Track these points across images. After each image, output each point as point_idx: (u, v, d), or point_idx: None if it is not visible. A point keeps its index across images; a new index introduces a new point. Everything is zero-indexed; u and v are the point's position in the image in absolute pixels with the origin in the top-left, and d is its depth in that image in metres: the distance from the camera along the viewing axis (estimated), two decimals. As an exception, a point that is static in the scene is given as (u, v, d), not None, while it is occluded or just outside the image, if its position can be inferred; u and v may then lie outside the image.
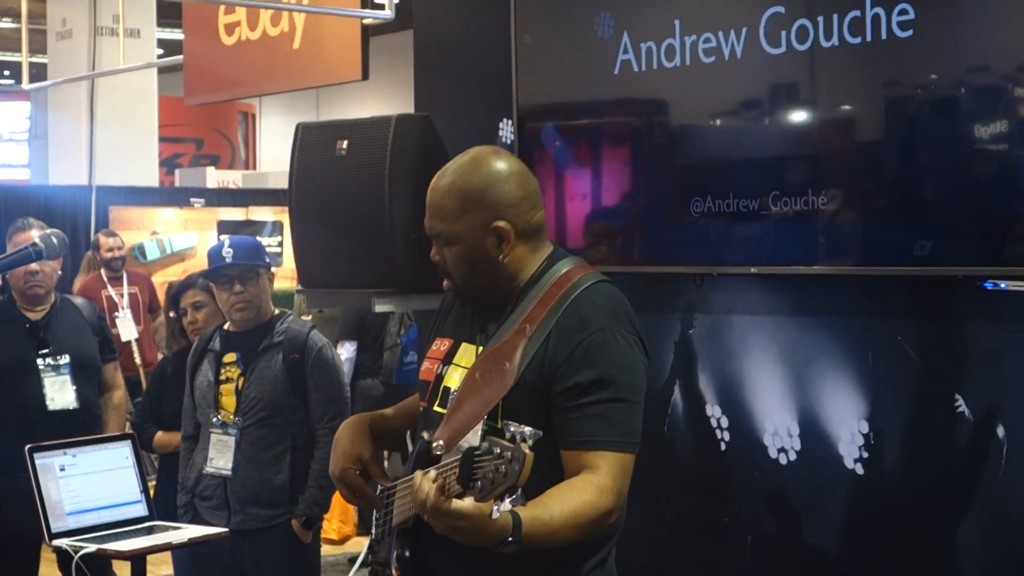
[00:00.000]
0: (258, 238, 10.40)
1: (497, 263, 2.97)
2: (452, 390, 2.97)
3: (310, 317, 8.98)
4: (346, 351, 8.65)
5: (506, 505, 2.47)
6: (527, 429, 2.45)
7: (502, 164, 2.99)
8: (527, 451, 2.42)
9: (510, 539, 2.57)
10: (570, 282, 2.95)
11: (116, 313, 10.42)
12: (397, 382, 8.60)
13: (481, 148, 3.06)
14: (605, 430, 2.81)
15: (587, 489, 2.73)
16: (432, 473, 2.57)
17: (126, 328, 10.47)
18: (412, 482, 2.87)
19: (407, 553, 2.97)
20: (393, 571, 2.98)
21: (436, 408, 3.01)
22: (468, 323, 3.08)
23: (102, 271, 10.81)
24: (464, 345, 3.04)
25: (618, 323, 2.90)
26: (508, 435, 2.44)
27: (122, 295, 10.68)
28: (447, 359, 3.05)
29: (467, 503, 2.50)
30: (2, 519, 5.49)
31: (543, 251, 3.04)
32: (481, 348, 2.98)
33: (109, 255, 10.75)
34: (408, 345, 8.62)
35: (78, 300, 6.15)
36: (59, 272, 5.94)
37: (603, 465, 2.78)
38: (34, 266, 5.56)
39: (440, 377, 3.04)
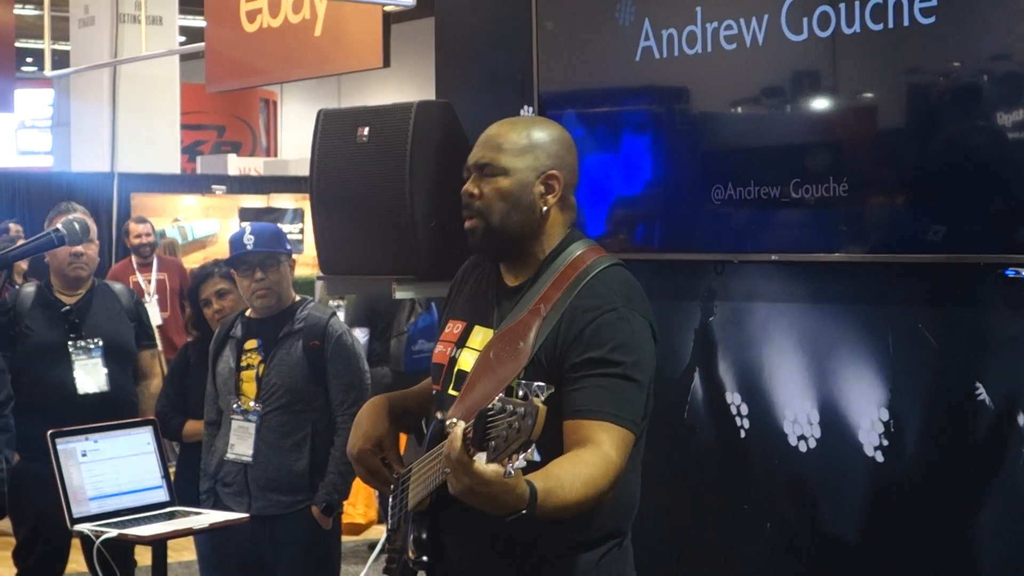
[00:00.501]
0: (279, 225, 10.45)
1: (535, 212, 3.00)
2: (466, 373, 2.98)
3: (344, 303, 9.03)
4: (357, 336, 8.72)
5: (520, 462, 2.46)
6: (538, 384, 2.45)
7: (565, 132, 3.12)
8: (539, 405, 2.41)
9: (523, 512, 2.56)
10: (585, 264, 2.98)
11: (143, 299, 10.59)
12: (406, 370, 8.62)
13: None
14: (610, 403, 2.81)
15: (595, 461, 2.73)
16: (462, 424, 2.54)
17: (152, 314, 10.62)
18: (426, 461, 2.89)
19: (424, 535, 2.98)
20: (410, 554, 2.99)
21: (451, 391, 3.01)
22: (482, 303, 3.09)
23: (132, 258, 10.97)
24: (478, 327, 3.05)
25: (631, 305, 2.92)
26: (520, 393, 2.44)
27: (149, 281, 10.85)
28: (460, 342, 3.06)
29: (491, 468, 2.47)
30: (34, 503, 5.52)
31: (566, 229, 3.07)
32: (494, 330, 2.99)
33: (137, 241, 10.95)
34: (416, 333, 8.62)
35: (117, 286, 6.18)
36: (97, 257, 5.98)
37: (606, 438, 2.77)
38: (79, 248, 5.61)
39: (454, 360, 3.05)
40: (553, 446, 2.77)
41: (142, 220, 11.38)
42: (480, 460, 2.48)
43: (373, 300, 8.60)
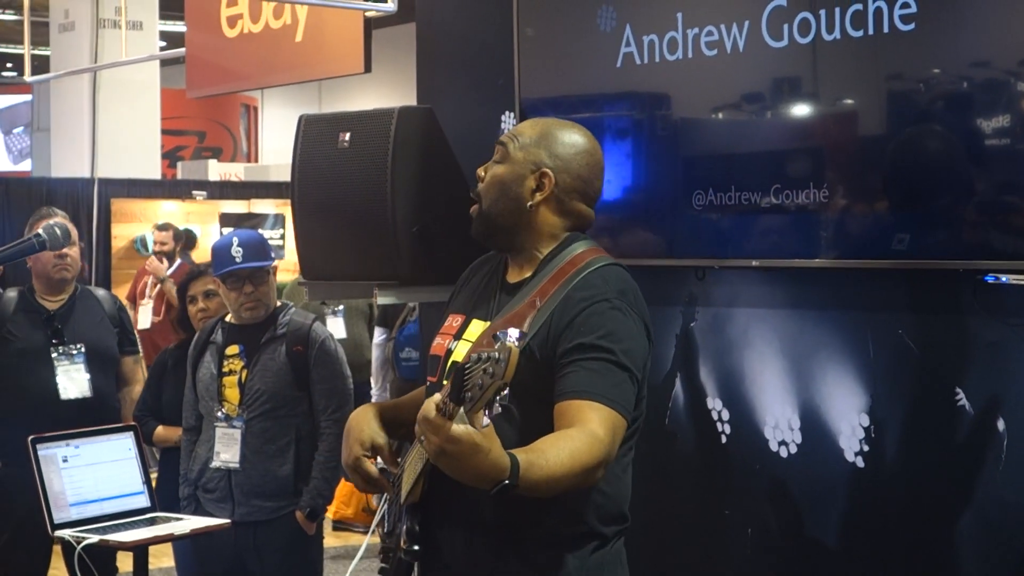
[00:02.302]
0: (260, 231, 10.47)
1: (522, 205, 3.06)
2: None
3: (340, 308, 9.18)
4: (376, 335, 9.06)
5: (496, 408, 2.46)
6: (513, 331, 2.46)
7: (587, 140, 3.15)
8: (512, 347, 2.42)
9: (507, 481, 2.54)
10: (583, 261, 3.02)
11: (142, 300, 10.99)
12: (400, 376, 8.66)
13: (586, 129, 3.18)
14: (599, 384, 2.81)
15: (581, 437, 2.71)
16: (436, 396, 2.54)
17: (144, 316, 11.01)
18: (415, 450, 2.91)
19: (416, 527, 2.98)
20: (402, 543, 2.99)
21: (445, 382, 3.03)
22: (482, 298, 3.13)
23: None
24: (475, 321, 3.09)
25: (625, 300, 2.95)
26: (497, 343, 2.45)
27: (156, 284, 11.15)
28: (458, 335, 3.10)
29: (460, 427, 2.46)
30: (14, 509, 5.50)
31: (566, 232, 3.11)
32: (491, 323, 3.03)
33: (156, 247, 11.40)
34: (403, 340, 8.66)
35: (99, 292, 6.17)
36: (80, 260, 5.97)
37: (594, 416, 2.76)
38: (64, 249, 5.62)
39: (450, 352, 3.07)
40: (535, 437, 2.77)
41: (163, 228, 11.84)
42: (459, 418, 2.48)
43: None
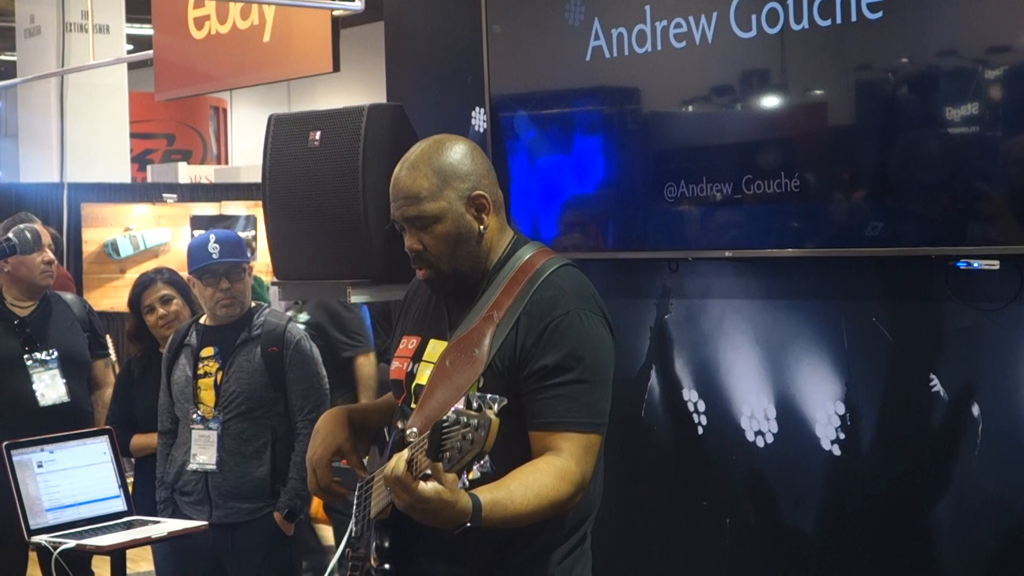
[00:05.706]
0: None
1: (478, 237, 3.00)
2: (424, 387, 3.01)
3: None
4: None
5: (475, 473, 2.49)
6: (491, 396, 2.47)
7: (462, 142, 3.07)
8: (492, 417, 2.44)
9: (468, 524, 2.61)
10: (535, 268, 3.00)
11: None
12: None
13: (435, 135, 3.10)
14: (570, 411, 2.85)
15: (550, 472, 2.77)
16: (406, 452, 2.61)
17: None
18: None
19: (386, 543, 2.99)
20: (372, 561, 2.99)
21: (412, 406, 3.03)
22: (434, 318, 3.11)
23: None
24: (433, 341, 3.07)
25: (584, 305, 2.94)
26: (474, 405, 2.46)
27: None
28: (416, 356, 3.09)
29: (429, 487, 2.54)
30: None
31: (508, 233, 3.09)
32: (448, 341, 3.01)
33: None
34: None
35: (68, 296, 6.15)
36: None
37: (567, 447, 2.82)
38: (49, 255, 5.60)
39: (411, 375, 3.07)
40: (511, 454, 2.80)
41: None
42: (433, 473, 2.53)
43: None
